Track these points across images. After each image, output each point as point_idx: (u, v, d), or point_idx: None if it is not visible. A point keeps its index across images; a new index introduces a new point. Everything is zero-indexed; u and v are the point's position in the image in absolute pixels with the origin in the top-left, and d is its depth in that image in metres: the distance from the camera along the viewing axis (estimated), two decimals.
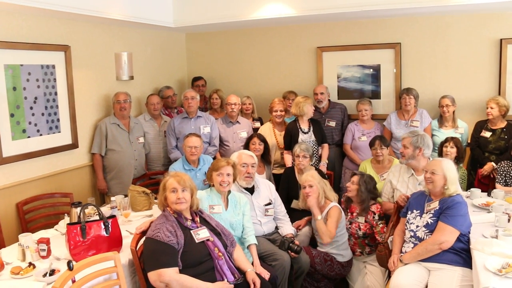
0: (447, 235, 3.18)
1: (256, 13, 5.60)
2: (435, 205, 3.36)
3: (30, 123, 4.46)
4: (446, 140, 4.75)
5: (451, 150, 4.64)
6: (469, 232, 3.30)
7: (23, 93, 4.37)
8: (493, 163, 4.84)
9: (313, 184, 4.02)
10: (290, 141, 5.14)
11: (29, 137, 4.46)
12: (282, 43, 6.44)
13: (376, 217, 4.07)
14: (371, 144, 4.75)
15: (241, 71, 6.75)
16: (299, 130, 5.19)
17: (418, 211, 3.47)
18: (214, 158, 5.34)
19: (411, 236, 3.41)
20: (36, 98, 4.51)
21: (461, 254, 3.20)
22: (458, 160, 4.67)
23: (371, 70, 6.03)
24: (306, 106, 5.16)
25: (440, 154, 4.73)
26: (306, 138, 5.15)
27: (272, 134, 5.45)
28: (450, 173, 3.37)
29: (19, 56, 4.31)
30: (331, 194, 4.10)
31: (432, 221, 3.31)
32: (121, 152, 5.07)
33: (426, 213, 3.40)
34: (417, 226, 3.39)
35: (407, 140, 4.04)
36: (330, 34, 6.15)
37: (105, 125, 5.06)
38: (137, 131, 5.28)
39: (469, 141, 5.29)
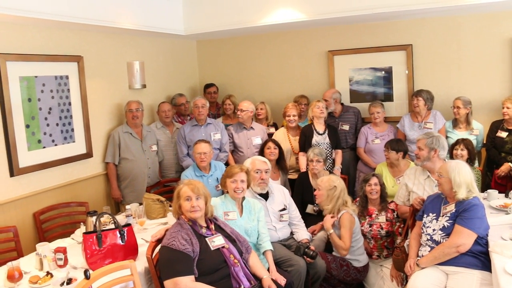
0: (464, 238, 3.14)
1: (266, 19, 5.60)
2: (451, 208, 3.32)
3: (45, 133, 4.51)
4: (457, 142, 4.67)
5: (462, 152, 4.55)
6: (487, 235, 3.25)
7: (38, 104, 4.43)
8: (510, 164, 4.76)
9: (337, 186, 4.03)
10: (305, 142, 5.13)
11: (44, 147, 4.51)
12: (293, 47, 6.44)
13: (395, 214, 4.12)
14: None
15: (252, 77, 6.76)
16: (314, 131, 5.18)
17: (434, 214, 3.42)
18: (226, 164, 5.36)
19: (427, 240, 3.37)
20: (50, 108, 4.56)
21: (479, 257, 3.15)
22: (470, 161, 4.60)
23: (383, 72, 6.00)
24: (310, 110, 5.24)
25: (452, 157, 4.66)
26: (320, 140, 5.14)
27: (287, 139, 5.43)
28: (457, 176, 3.28)
29: (34, 68, 4.37)
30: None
31: (448, 224, 3.27)
32: (134, 160, 5.10)
33: (443, 216, 3.35)
34: (434, 230, 3.35)
35: (422, 141, 4.00)
36: (341, 37, 6.14)
37: (117, 134, 5.09)
38: (150, 139, 5.30)
39: (484, 142, 5.23)
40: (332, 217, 3.97)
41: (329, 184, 4.02)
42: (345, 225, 3.90)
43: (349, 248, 3.90)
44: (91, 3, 4.53)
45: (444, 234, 3.27)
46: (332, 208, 4.01)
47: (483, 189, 4.61)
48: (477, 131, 5.14)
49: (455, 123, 5.26)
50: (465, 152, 4.55)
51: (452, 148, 4.69)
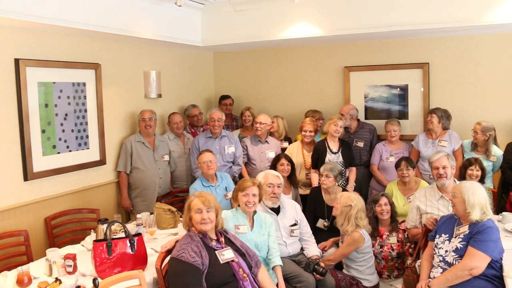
0: (478, 261, 3.08)
1: (283, 33, 5.63)
2: (464, 229, 3.26)
3: (60, 139, 4.55)
4: (470, 162, 4.59)
5: (477, 173, 4.46)
6: (501, 259, 3.19)
7: (54, 110, 4.48)
8: None
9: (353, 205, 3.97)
10: (318, 160, 5.10)
11: (59, 153, 4.55)
12: (310, 62, 6.46)
13: (406, 235, 4.08)
14: (397, 165, 4.69)
15: (268, 90, 6.78)
16: (327, 149, 5.14)
17: (447, 235, 3.37)
18: (239, 177, 5.34)
19: (439, 261, 3.32)
20: (66, 114, 4.61)
21: (493, 282, 3.09)
22: (482, 181, 4.53)
23: (399, 90, 5.98)
24: (327, 124, 5.18)
25: (465, 177, 4.57)
26: (334, 158, 5.08)
27: (300, 153, 5.40)
28: (471, 196, 3.22)
29: (52, 74, 4.44)
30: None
31: (461, 246, 3.21)
32: (146, 170, 5.10)
33: (455, 237, 3.29)
34: (446, 251, 3.30)
35: (444, 159, 3.93)
36: (358, 54, 6.14)
37: (130, 143, 5.11)
38: (162, 149, 5.30)
39: None
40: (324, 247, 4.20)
41: (345, 202, 3.99)
42: (346, 241, 3.88)
43: (335, 260, 3.96)
44: (111, 12, 4.60)
45: (457, 256, 3.21)
46: (342, 223, 3.98)
47: (498, 211, 4.52)
48: (494, 158, 4.96)
49: (474, 146, 5.10)
50: (479, 173, 4.48)
51: (465, 167, 4.61)
